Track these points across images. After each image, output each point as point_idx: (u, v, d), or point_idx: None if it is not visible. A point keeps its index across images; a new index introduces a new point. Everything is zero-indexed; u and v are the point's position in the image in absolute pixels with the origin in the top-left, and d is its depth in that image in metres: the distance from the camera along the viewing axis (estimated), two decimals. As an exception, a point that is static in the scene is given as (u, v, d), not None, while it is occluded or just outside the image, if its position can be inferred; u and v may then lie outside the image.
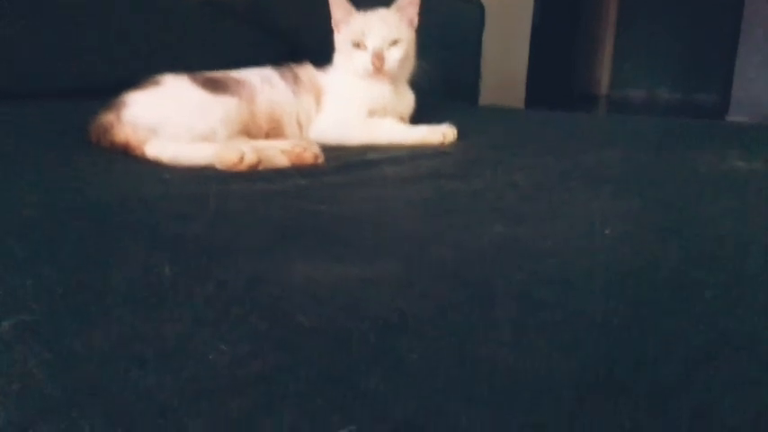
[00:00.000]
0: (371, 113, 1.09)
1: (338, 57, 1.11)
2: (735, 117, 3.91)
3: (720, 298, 0.44)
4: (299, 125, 1.06)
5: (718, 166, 0.87)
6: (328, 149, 0.95)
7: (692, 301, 0.43)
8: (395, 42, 1.06)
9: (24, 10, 1.43)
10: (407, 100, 1.17)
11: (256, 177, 0.78)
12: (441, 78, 1.54)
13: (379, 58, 1.04)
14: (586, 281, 0.46)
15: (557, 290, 0.45)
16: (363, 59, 1.06)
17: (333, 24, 1.12)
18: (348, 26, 1.09)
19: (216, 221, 0.59)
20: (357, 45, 1.07)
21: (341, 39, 1.10)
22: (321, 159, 0.89)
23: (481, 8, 1.68)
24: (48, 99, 1.22)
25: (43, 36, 1.37)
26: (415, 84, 1.18)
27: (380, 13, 1.09)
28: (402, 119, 1.14)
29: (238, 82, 1.01)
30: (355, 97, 1.08)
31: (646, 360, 0.36)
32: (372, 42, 1.05)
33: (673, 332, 0.39)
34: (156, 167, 0.81)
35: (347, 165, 0.88)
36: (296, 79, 1.08)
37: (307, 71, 1.10)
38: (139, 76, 0.96)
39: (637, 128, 1.25)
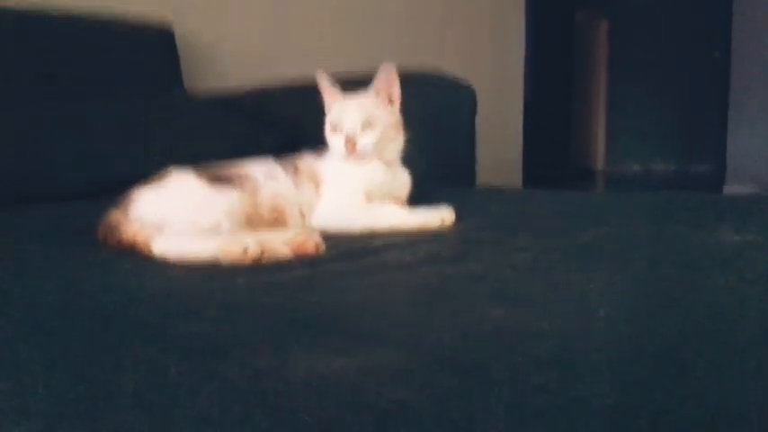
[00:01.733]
0: (368, 196, 1.12)
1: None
2: (732, 186, 3.95)
3: (714, 375, 0.44)
4: (302, 214, 1.09)
5: (712, 239, 0.89)
6: (330, 237, 0.97)
7: (686, 380, 0.44)
8: (369, 125, 1.11)
9: (31, 114, 1.50)
10: (402, 180, 1.21)
11: (260, 269, 0.80)
12: (437, 162, 1.60)
13: (350, 142, 1.10)
14: (583, 363, 0.47)
15: (554, 374, 0.45)
16: (338, 143, 1.11)
17: (326, 107, 1.18)
18: (330, 111, 1.17)
19: (221, 317, 0.60)
20: (334, 129, 1.13)
21: (326, 123, 1.16)
22: (323, 248, 0.92)
23: (472, 92, 1.75)
24: (55, 200, 1.26)
25: (49, 138, 1.43)
26: (412, 166, 1.23)
27: (358, 98, 1.15)
28: (399, 200, 1.18)
29: (242, 175, 1.05)
30: (351, 181, 1.12)
31: (642, 443, 0.36)
32: (345, 126, 1.11)
33: (668, 412, 0.39)
34: (162, 264, 0.83)
35: (348, 252, 0.90)
36: (296, 169, 1.12)
37: (305, 161, 1.15)
38: (146, 171, 1.01)
39: (631, 203, 1.28)
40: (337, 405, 0.41)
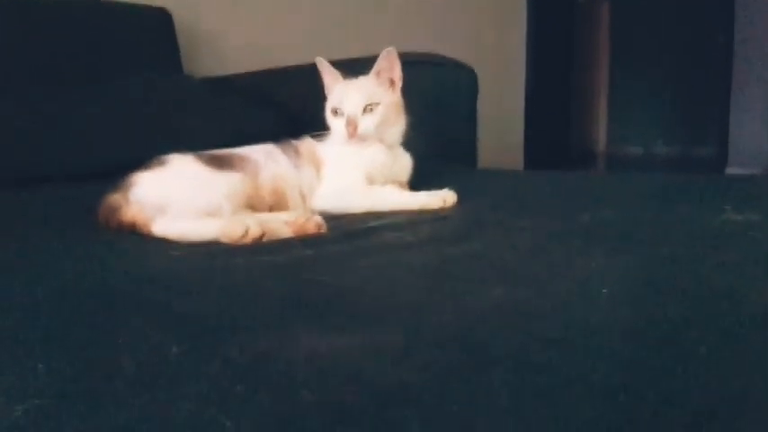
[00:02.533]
0: (369, 178, 1.12)
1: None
2: (734, 169, 3.94)
3: (716, 355, 0.44)
4: (302, 197, 1.09)
5: (714, 219, 0.88)
6: (331, 218, 0.97)
7: (688, 359, 0.44)
8: (371, 108, 1.11)
9: (30, 96, 1.50)
10: (404, 163, 1.20)
11: (261, 250, 0.80)
12: (439, 143, 1.59)
13: (351, 124, 1.10)
14: (584, 342, 0.47)
15: (555, 353, 0.45)
16: (339, 125, 1.11)
17: (326, 92, 1.18)
18: (331, 95, 1.16)
19: (222, 297, 0.60)
20: (335, 112, 1.13)
21: (326, 107, 1.16)
22: (324, 229, 0.92)
23: (473, 74, 1.74)
24: (56, 183, 1.26)
25: (50, 122, 1.43)
26: (414, 149, 1.22)
27: (359, 81, 1.15)
28: (401, 183, 1.18)
29: (242, 158, 1.04)
30: (352, 164, 1.12)
31: (644, 424, 0.36)
32: (347, 109, 1.10)
33: (670, 393, 0.39)
34: (164, 245, 0.83)
35: (349, 233, 0.90)
36: (296, 152, 1.12)
37: (306, 144, 1.15)
38: (146, 155, 1.00)
39: (633, 185, 1.27)
40: (339, 384, 0.41)
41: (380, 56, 1.14)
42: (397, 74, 1.16)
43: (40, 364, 0.44)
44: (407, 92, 1.18)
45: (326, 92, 1.18)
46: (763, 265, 0.68)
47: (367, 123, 1.10)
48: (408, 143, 1.21)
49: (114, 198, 0.93)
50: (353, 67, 1.18)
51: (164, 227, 0.87)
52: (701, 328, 0.50)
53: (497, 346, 0.47)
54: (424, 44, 1.99)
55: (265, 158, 1.07)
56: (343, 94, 1.13)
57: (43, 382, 0.42)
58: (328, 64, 1.18)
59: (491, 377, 0.42)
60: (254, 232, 0.84)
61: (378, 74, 1.14)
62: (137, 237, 0.88)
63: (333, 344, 0.47)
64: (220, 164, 1.00)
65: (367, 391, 0.39)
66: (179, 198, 0.92)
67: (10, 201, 1.16)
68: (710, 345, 0.46)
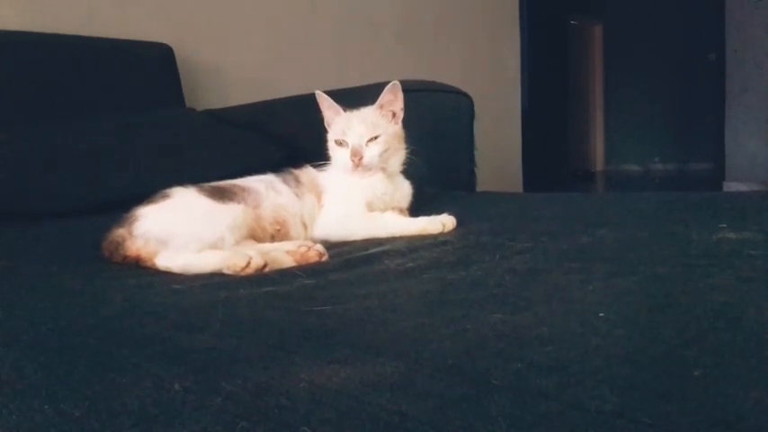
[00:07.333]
0: (370, 206, 1.13)
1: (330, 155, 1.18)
2: (732, 184, 3.95)
3: (713, 377, 0.45)
4: (304, 226, 1.10)
5: (710, 238, 0.89)
6: (332, 246, 0.98)
7: (686, 382, 0.44)
8: (374, 138, 1.13)
9: (35, 131, 1.52)
10: (404, 191, 1.22)
11: (264, 281, 0.81)
12: (437, 169, 1.60)
13: (356, 155, 1.12)
14: (581, 368, 0.48)
15: (553, 379, 0.46)
16: (344, 156, 1.12)
17: (326, 125, 1.20)
18: (333, 126, 1.18)
19: (224, 330, 0.61)
20: (339, 143, 1.14)
21: (329, 138, 1.17)
22: (325, 257, 0.93)
23: (469, 99, 1.77)
24: (61, 217, 1.27)
25: (54, 156, 1.44)
26: (414, 175, 1.24)
27: (362, 113, 1.17)
28: (401, 210, 1.19)
29: (244, 189, 1.06)
30: (352, 192, 1.13)
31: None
32: (351, 140, 1.12)
33: (667, 417, 0.40)
34: (167, 278, 0.84)
35: (350, 261, 0.91)
36: (297, 182, 1.13)
37: (306, 173, 1.17)
38: (151, 188, 1.02)
39: (630, 204, 1.28)
40: (339, 418, 0.41)
41: (385, 89, 1.16)
42: (400, 106, 1.19)
43: (46, 405, 0.44)
44: (405, 116, 1.20)
45: (326, 124, 1.20)
46: (759, 285, 0.68)
47: (372, 153, 1.12)
48: (407, 169, 1.23)
49: (118, 232, 0.94)
50: (351, 97, 1.20)
51: (167, 260, 0.89)
52: (698, 350, 0.50)
53: (496, 374, 0.47)
54: (419, 72, 2.02)
55: (266, 188, 1.09)
56: (346, 126, 1.14)
57: (50, 423, 0.42)
58: (328, 97, 1.20)
59: (490, 406, 0.42)
60: (257, 263, 0.85)
61: (381, 106, 1.17)
62: (140, 270, 0.89)
63: (333, 376, 0.48)
64: (222, 195, 1.02)
65: (367, 424, 0.40)
66: (182, 231, 0.93)
67: (15, 235, 1.17)
68: (708, 367, 0.46)
